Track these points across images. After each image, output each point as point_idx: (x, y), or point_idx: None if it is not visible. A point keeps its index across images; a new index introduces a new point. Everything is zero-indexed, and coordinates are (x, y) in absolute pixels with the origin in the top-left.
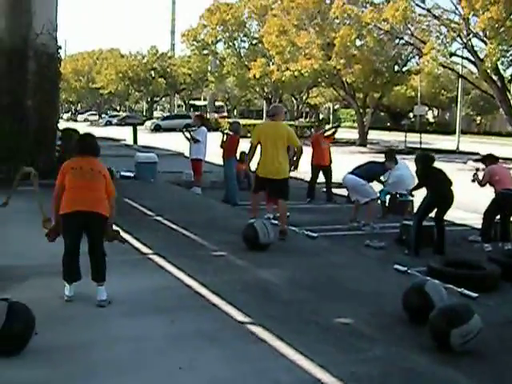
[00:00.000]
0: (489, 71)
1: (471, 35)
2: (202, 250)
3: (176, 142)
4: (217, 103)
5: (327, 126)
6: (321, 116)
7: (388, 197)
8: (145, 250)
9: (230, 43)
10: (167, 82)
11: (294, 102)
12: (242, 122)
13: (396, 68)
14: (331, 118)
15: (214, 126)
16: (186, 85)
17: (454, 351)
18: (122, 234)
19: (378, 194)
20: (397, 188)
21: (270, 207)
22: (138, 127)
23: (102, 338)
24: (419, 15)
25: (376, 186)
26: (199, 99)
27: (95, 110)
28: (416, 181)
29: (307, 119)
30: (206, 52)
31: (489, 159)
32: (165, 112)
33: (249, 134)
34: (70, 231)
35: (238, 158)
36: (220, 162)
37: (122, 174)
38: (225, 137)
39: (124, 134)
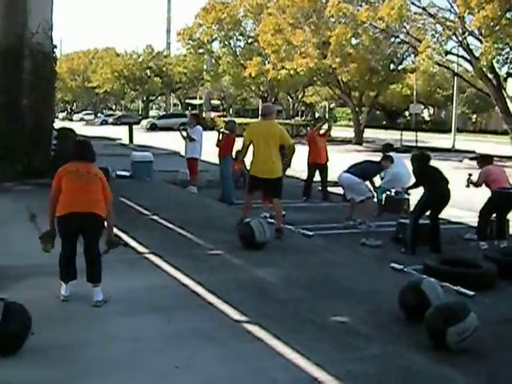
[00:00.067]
0: (484, 69)
1: (467, 33)
2: (198, 249)
3: (172, 141)
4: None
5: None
6: (316, 115)
7: (384, 195)
8: (141, 249)
9: (226, 42)
10: (163, 81)
11: (290, 100)
12: (238, 120)
13: (392, 66)
14: (327, 116)
15: (209, 125)
16: (181, 84)
17: (451, 349)
18: (118, 233)
19: (375, 193)
20: (393, 185)
21: (267, 206)
22: (134, 126)
23: (99, 337)
24: (415, 13)
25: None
26: (195, 98)
27: (91, 109)
28: (413, 178)
29: (303, 118)
30: (201, 51)
31: (483, 160)
32: (160, 111)
33: (244, 133)
34: (67, 233)
35: (233, 156)
36: (216, 160)
37: (118, 173)
38: (221, 136)
39: (120, 133)
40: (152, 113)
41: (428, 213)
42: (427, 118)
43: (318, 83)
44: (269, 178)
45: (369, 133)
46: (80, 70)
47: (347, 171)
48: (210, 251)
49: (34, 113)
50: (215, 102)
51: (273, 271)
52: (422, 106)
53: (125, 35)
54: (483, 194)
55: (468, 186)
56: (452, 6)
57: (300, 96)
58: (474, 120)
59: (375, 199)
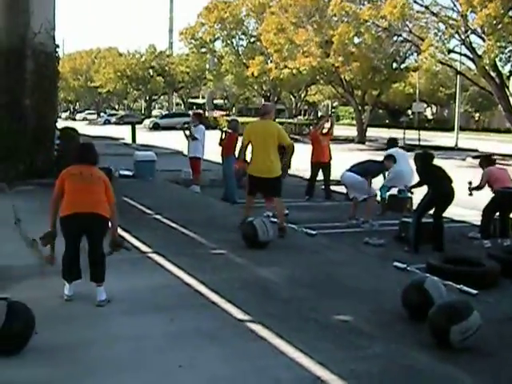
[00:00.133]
0: (487, 68)
1: (469, 32)
2: (201, 249)
3: (175, 141)
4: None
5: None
6: (319, 113)
7: (388, 194)
8: (144, 248)
9: (228, 41)
10: (165, 81)
11: (293, 99)
12: (241, 119)
13: (394, 65)
14: (329, 113)
15: (212, 124)
16: (184, 83)
17: (454, 348)
18: (121, 232)
19: (379, 192)
20: (396, 183)
21: (270, 205)
22: (137, 126)
23: (102, 337)
24: (417, 12)
25: (375, 184)
26: (197, 97)
27: (94, 108)
28: (415, 176)
29: (306, 117)
30: (204, 50)
31: (486, 161)
32: (163, 110)
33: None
34: (70, 233)
35: (236, 155)
36: (219, 160)
37: (121, 172)
38: (223, 135)
39: (122, 132)
40: (155, 112)
41: (432, 211)
42: (430, 117)
43: (320, 82)
44: (267, 178)
45: (371, 131)
46: (83, 69)
47: (350, 170)
48: (212, 250)
49: (36, 113)
50: (218, 101)
51: (276, 270)
52: (425, 105)
53: (127, 35)
54: (486, 193)
55: (471, 194)
56: (455, 5)
57: (303, 95)
58: (476, 118)
59: (378, 198)
